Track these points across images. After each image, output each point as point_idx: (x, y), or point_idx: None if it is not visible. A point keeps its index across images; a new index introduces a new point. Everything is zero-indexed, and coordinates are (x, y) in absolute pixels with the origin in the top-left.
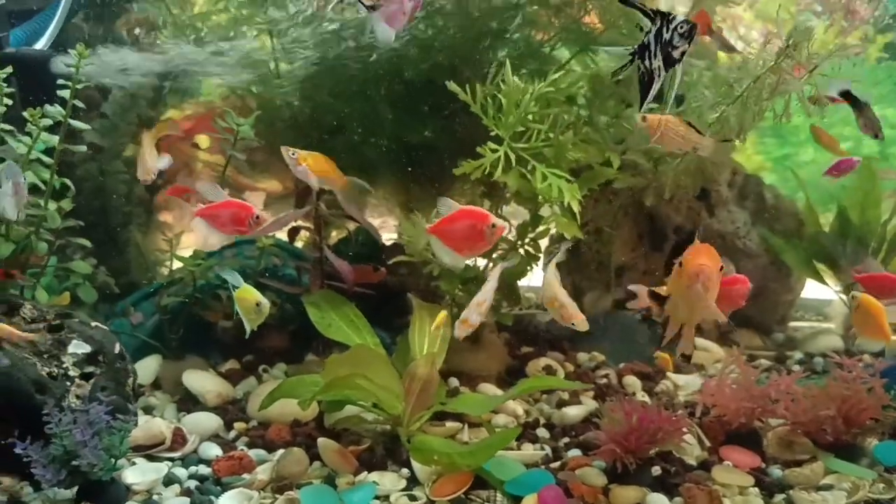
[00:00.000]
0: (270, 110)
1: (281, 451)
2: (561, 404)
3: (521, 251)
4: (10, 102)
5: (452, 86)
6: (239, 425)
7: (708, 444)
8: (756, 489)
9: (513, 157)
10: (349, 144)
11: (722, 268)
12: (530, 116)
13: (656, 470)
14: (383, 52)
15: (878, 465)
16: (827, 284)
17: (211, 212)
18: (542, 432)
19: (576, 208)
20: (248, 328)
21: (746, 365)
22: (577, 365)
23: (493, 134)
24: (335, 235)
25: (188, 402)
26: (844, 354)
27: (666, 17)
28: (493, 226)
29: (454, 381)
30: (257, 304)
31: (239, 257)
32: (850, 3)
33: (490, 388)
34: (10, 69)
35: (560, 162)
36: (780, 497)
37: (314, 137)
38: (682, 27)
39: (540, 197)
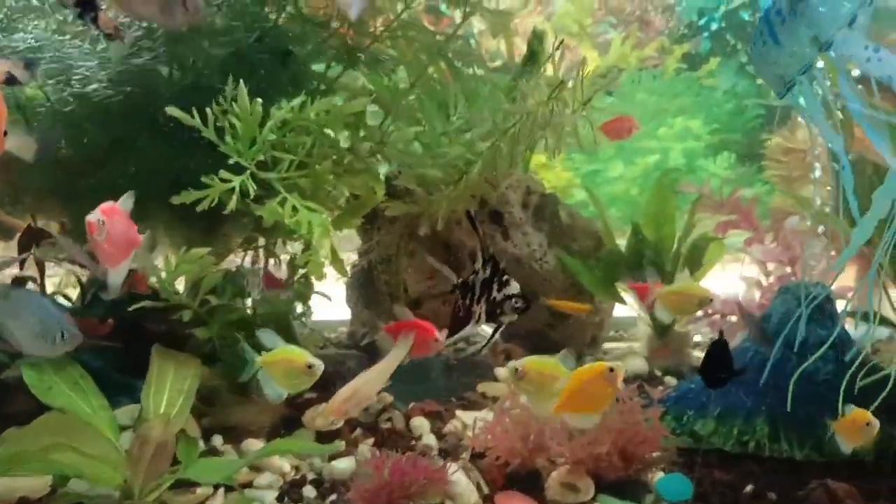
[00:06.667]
0: None
1: None
2: (334, 456)
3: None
4: None
5: (174, 110)
6: None
7: (486, 490)
8: None
9: (252, 188)
10: (112, 179)
11: None
12: (275, 143)
13: None
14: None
15: (662, 500)
16: (626, 304)
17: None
18: (308, 490)
19: (326, 244)
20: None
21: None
22: (364, 409)
23: (232, 162)
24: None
25: None
26: (646, 379)
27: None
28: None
29: (219, 440)
30: (309, 367)
31: None
32: (645, 14)
33: (257, 445)
34: None
35: (318, 193)
36: None
37: (75, 172)
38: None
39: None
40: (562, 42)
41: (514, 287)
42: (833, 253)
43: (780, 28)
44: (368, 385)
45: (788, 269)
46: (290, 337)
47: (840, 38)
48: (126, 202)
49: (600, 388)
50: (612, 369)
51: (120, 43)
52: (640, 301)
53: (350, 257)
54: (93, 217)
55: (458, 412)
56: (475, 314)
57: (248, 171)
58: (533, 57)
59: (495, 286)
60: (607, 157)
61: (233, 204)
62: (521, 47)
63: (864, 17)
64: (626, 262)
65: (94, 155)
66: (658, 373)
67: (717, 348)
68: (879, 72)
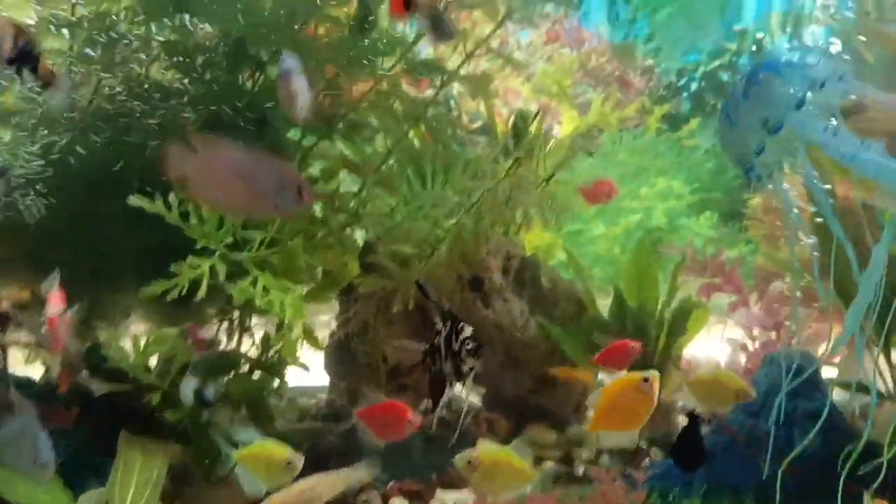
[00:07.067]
0: None
1: None
2: None
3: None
4: None
5: (137, 200)
6: None
7: None
8: None
9: (223, 269)
10: (83, 248)
11: None
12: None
13: None
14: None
15: None
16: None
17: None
18: None
19: (297, 325)
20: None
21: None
22: None
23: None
24: None
25: None
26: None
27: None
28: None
29: None
30: (288, 463)
31: None
32: (624, 74)
33: None
34: None
35: (291, 270)
36: None
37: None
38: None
39: None
40: (537, 115)
41: (467, 331)
42: (815, 314)
43: (735, 111)
44: (321, 489)
45: (773, 335)
46: (264, 414)
47: (796, 120)
48: (52, 282)
49: (636, 401)
50: (646, 379)
51: (57, 91)
52: (609, 369)
53: (331, 323)
54: (55, 311)
55: (439, 492)
56: (448, 374)
57: (217, 254)
58: (518, 137)
59: (453, 338)
60: (589, 216)
61: (203, 290)
62: (501, 109)
63: (833, 97)
64: (608, 329)
65: (64, 223)
66: (643, 444)
67: (689, 430)
68: (839, 151)
